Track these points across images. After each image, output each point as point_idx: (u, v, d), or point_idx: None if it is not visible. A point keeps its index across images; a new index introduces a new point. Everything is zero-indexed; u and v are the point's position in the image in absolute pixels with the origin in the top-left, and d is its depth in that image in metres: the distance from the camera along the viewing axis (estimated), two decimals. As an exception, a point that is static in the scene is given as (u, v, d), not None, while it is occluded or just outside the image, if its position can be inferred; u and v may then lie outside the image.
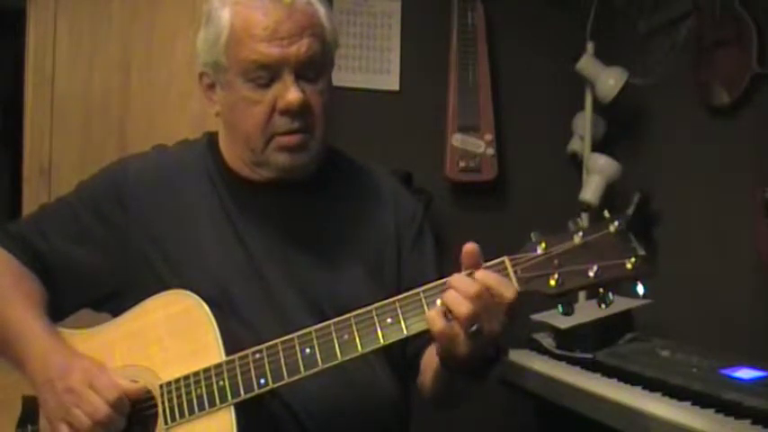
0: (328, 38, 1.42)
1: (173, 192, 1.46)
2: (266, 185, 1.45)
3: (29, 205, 2.42)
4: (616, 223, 1.16)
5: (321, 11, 1.41)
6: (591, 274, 1.15)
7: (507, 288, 1.16)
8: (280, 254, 1.42)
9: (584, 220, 1.19)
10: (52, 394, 1.29)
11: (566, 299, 1.19)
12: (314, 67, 1.39)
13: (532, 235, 1.19)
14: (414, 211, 1.54)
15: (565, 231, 1.18)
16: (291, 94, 1.36)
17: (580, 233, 1.16)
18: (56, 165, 2.46)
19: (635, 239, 1.15)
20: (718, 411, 1.65)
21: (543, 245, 1.17)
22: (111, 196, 1.46)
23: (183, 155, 1.53)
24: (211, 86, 1.46)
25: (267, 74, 1.37)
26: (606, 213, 1.18)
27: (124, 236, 1.44)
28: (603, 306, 1.19)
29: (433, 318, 1.17)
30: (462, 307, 1.15)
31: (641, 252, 1.14)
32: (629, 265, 1.14)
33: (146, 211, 1.45)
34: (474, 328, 1.15)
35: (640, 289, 1.17)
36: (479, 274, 1.17)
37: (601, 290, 1.18)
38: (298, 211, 1.46)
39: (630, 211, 1.16)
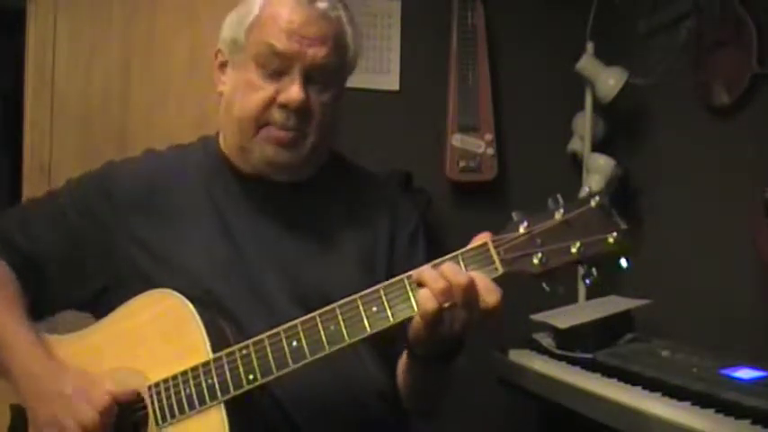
0: (348, 58, 1.45)
1: (162, 192, 1.46)
2: (261, 181, 1.45)
3: (29, 205, 2.41)
4: (597, 198, 1.15)
5: (349, 31, 1.44)
6: (574, 250, 1.15)
7: (491, 294, 1.17)
8: (270, 250, 1.42)
9: (560, 197, 1.18)
10: (40, 403, 1.30)
11: (551, 278, 1.18)
12: (325, 76, 1.40)
13: (513, 214, 1.19)
14: (409, 216, 1.54)
15: (545, 209, 1.18)
16: (295, 91, 1.37)
17: (561, 210, 1.16)
18: (56, 164, 2.46)
19: (616, 214, 1.15)
20: (717, 411, 1.65)
21: (525, 224, 1.17)
22: (100, 196, 1.46)
23: (174, 157, 1.54)
24: (223, 65, 1.47)
25: (278, 63, 1.38)
26: (586, 189, 1.17)
27: (112, 236, 1.44)
28: (587, 282, 1.18)
29: (427, 297, 1.18)
30: (445, 297, 1.18)
31: (623, 226, 1.14)
32: (611, 240, 1.14)
33: (134, 211, 1.44)
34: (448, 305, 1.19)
35: (624, 263, 1.16)
36: (472, 273, 1.18)
37: (585, 266, 1.17)
38: (292, 208, 1.47)
39: (609, 185, 1.16)
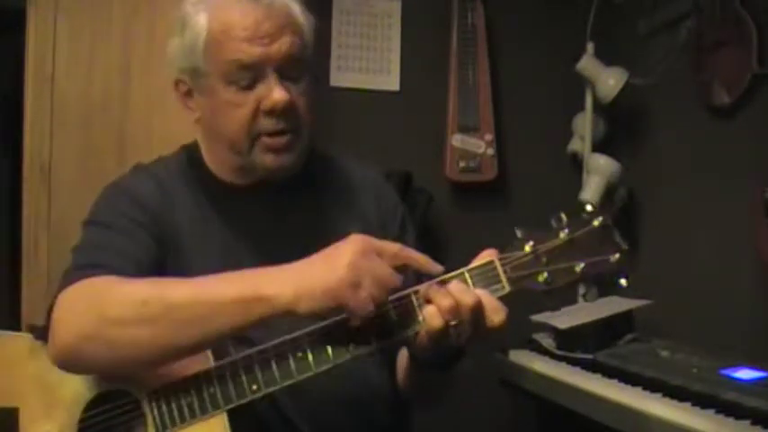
0: (306, 36, 1.41)
1: (160, 213, 1.42)
2: (250, 190, 1.44)
3: (29, 205, 2.42)
4: (600, 218, 1.18)
5: (297, 10, 1.40)
6: (578, 270, 1.17)
7: (497, 313, 1.18)
8: (268, 259, 1.34)
9: (563, 216, 1.20)
10: (333, 267, 1.16)
11: (554, 295, 1.20)
12: (296, 66, 1.37)
13: (518, 231, 1.21)
14: (395, 204, 1.54)
15: (549, 228, 1.20)
16: (277, 93, 1.35)
17: (565, 230, 1.18)
18: (56, 165, 2.46)
19: (618, 234, 1.18)
20: (718, 412, 1.65)
21: (530, 243, 1.19)
22: (138, 209, 1.40)
23: (160, 173, 1.48)
24: (188, 93, 1.43)
25: (249, 74, 1.35)
26: (589, 207, 1.20)
27: (157, 243, 1.39)
28: (585, 300, 1.20)
29: (434, 314, 1.18)
30: (452, 315, 1.17)
31: (625, 246, 1.17)
32: (613, 260, 1.17)
33: (159, 222, 1.41)
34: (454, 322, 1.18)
35: (623, 282, 1.19)
36: (479, 292, 1.18)
37: (586, 284, 1.20)
38: (283, 214, 1.45)
39: (616, 206, 1.19)
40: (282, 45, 1.35)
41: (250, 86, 1.36)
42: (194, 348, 1.22)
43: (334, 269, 1.15)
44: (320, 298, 1.15)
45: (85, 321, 1.22)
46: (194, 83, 1.41)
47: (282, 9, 1.37)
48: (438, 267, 1.21)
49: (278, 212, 1.45)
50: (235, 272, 1.23)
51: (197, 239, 1.41)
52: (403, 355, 1.41)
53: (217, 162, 1.46)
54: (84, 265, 1.31)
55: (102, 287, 1.25)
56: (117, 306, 1.21)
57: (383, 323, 1.20)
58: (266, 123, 1.37)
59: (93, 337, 1.21)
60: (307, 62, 1.41)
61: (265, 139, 1.38)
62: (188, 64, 1.40)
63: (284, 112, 1.36)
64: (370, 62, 2.95)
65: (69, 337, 1.23)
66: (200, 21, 1.37)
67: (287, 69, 1.37)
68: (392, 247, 1.20)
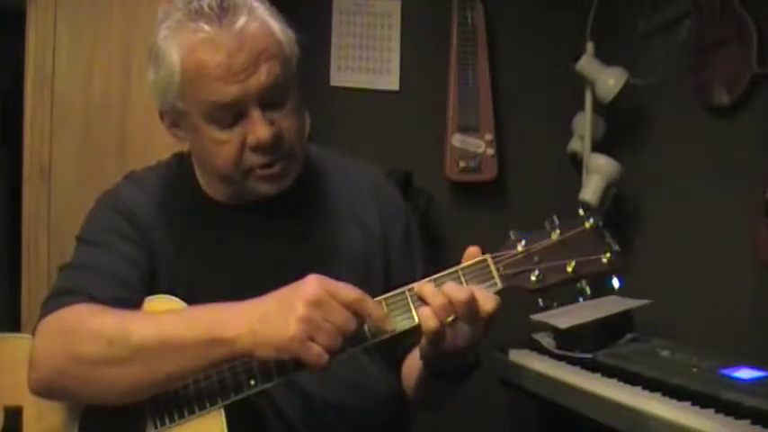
0: (287, 52, 1.33)
1: (149, 226, 1.40)
2: (243, 209, 1.41)
3: (29, 205, 2.42)
4: (591, 220, 1.21)
5: (274, 26, 1.32)
6: (569, 269, 1.20)
7: (488, 301, 1.18)
8: (268, 274, 1.31)
9: (556, 218, 1.24)
10: (285, 321, 1.14)
11: (546, 294, 1.23)
12: (279, 92, 1.31)
13: (511, 233, 1.24)
14: (398, 208, 1.52)
15: (542, 229, 1.23)
16: (261, 131, 1.29)
17: (557, 230, 1.22)
18: (56, 165, 2.46)
19: (609, 235, 1.21)
20: (718, 411, 1.65)
21: (523, 242, 1.22)
22: (127, 223, 1.40)
23: (152, 184, 1.46)
24: (175, 124, 1.39)
25: (230, 113, 1.30)
26: (581, 210, 1.23)
27: (149, 256, 1.38)
28: (581, 299, 1.23)
29: (428, 315, 1.18)
30: (446, 313, 1.17)
31: (616, 247, 1.21)
32: (604, 260, 1.20)
33: (151, 233, 1.40)
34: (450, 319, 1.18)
35: (616, 283, 1.23)
36: (471, 287, 1.19)
37: (580, 283, 1.22)
38: (281, 229, 1.42)
39: (603, 206, 1.22)
40: (261, 76, 1.28)
41: (233, 124, 1.31)
42: (162, 385, 1.24)
43: (287, 325, 1.14)
44: (274, 352, 1.16)
45: (57, 358, 1.25)
46: (177, 119, 1.37)
47: (257, 31, 1.29)
48: (391, 326, 1.19)
49: (273, 231, 1.42)
50: (197, 308, 1.24)
51: (186, 256, 1.39)
52: (410, 365, 1.41)
53: (208, 183, 1.44)
54: (63, 291, 1.33)
55: (72, 322, 1.27)
56: (84, 344, 1.23)
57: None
58: (255, 158, 1.33)
59: (65, 373, 1.25)
60: (290, 81, 1.35)
61: (258, 172, 1.34)
62: (167, 101, 1.35)
63: (271, 146, 1.32)
64: (370, 62, 2.95)
65: (44, 372, 1.26)
66: (173, 56, 1.30)
67: (269, 98, 1.31)
68: (350, 294, 1.16)
